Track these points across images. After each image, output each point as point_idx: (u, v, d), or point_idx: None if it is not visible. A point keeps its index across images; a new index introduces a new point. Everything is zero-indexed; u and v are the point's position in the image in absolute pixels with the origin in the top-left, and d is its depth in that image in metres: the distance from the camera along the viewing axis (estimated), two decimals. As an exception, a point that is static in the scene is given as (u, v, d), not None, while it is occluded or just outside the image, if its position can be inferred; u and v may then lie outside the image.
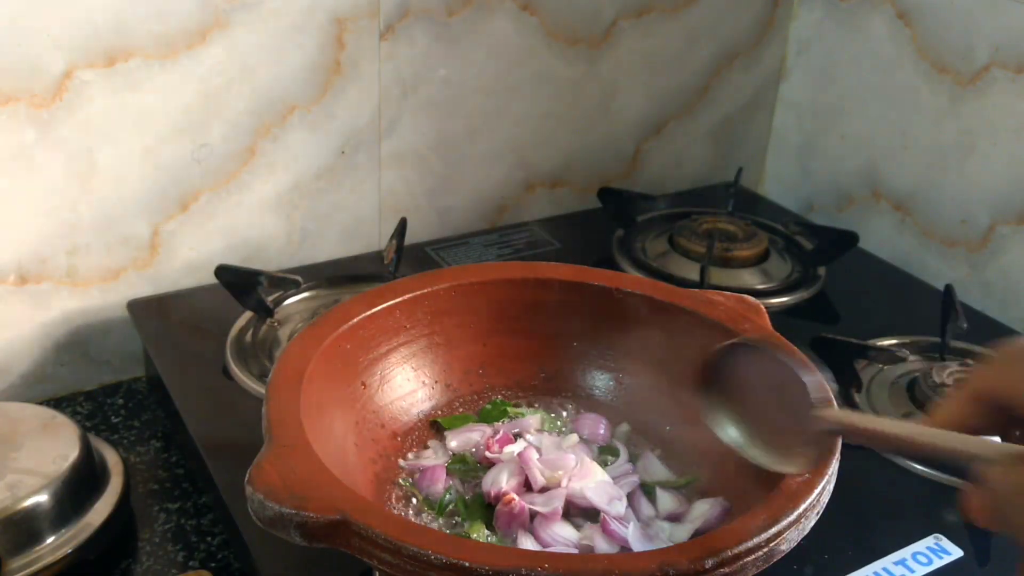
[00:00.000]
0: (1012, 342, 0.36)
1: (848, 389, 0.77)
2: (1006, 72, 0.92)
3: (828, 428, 0.42)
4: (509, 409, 0.65)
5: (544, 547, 0.53)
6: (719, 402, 0.49)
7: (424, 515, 0.58)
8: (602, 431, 0.64)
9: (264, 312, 0.81)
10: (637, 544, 0.53)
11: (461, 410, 0.65)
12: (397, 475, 0.60)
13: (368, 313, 0.61)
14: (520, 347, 0.67)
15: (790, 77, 1.16)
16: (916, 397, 0.75)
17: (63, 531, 0.62)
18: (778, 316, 0.76)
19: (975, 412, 0.36)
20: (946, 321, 0.83)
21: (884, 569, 0.60)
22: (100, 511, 0.64)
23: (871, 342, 0.81)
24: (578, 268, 0.67)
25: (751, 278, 0.94)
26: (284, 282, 0.83)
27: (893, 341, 0.83)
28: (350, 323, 0.60)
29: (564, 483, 0.56)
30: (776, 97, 1.18)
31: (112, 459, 0.69)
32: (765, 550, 0.45)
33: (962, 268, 0.99)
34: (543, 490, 0.57)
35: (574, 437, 0.63)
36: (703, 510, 0.56)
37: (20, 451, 0.63)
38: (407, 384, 0.64)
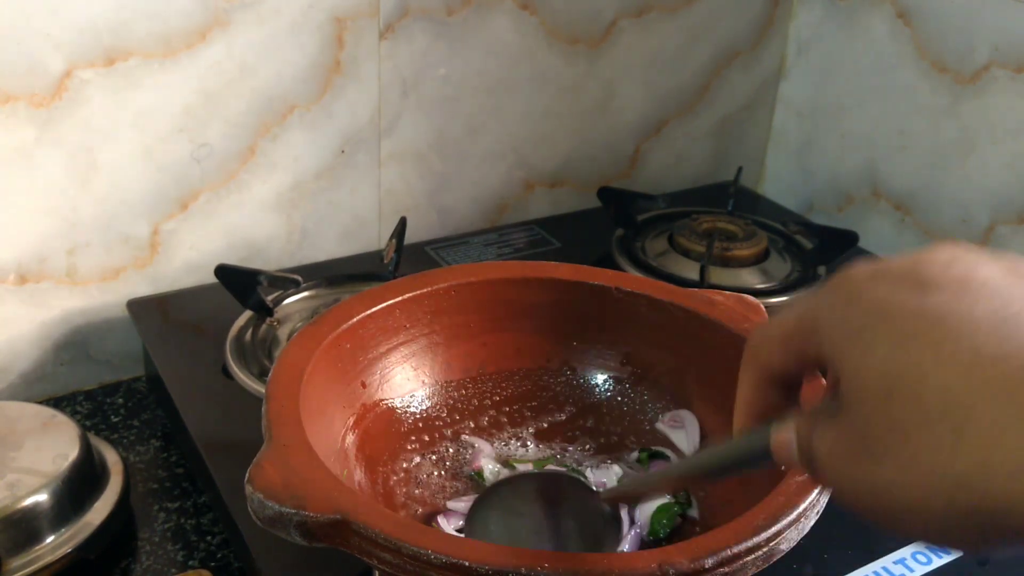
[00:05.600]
0: (762, 327, 0.37)
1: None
2: (1006, 71, 0.92)
3: (609, 507, 0.47)
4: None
5: None
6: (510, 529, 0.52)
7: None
8: None
9: (264, 312, 0.81)
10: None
11: (458, 411, 0.65)
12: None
13: (368, 312, 0.61)
14: (520, 346, 0.67)
15: (790, 77, 1.16)
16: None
17: (63, 530, 0.62)
18: (778, 316, 0.76)
19: (763, 400, 0.37)
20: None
21: (884, 568, 0.60)
22: (100, 510, 0.64)
23: (871, 342, 0.81)
24: (578, 268, 0.67)
25: (751, 277, 0.94)
26: (284, 281, 0.83)
27: (893, 341, 0.83)
28: (350, 322, 0.60)
29: None
30: (776, 97, 1.18)
31: (112, 458, 0.69)
32: (765, 550, 0.45)
33: (962, 268, 0.99)
34: None
35: None
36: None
37: (20, 450, 0.63)
38: (407, 383, 0.64)
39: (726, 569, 0.44)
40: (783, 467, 0.36)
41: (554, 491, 0.49)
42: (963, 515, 0.28)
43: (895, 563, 0.61)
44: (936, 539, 0.30)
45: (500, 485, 0.53)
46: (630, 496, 0.49)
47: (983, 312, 0.30)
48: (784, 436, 0.35)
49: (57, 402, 0.82)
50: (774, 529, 0.45)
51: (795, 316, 0.35)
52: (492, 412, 0.66)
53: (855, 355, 0.32)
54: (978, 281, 0.31)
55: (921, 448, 0.29)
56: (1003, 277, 0.31)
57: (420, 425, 0.64)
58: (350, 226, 0.95)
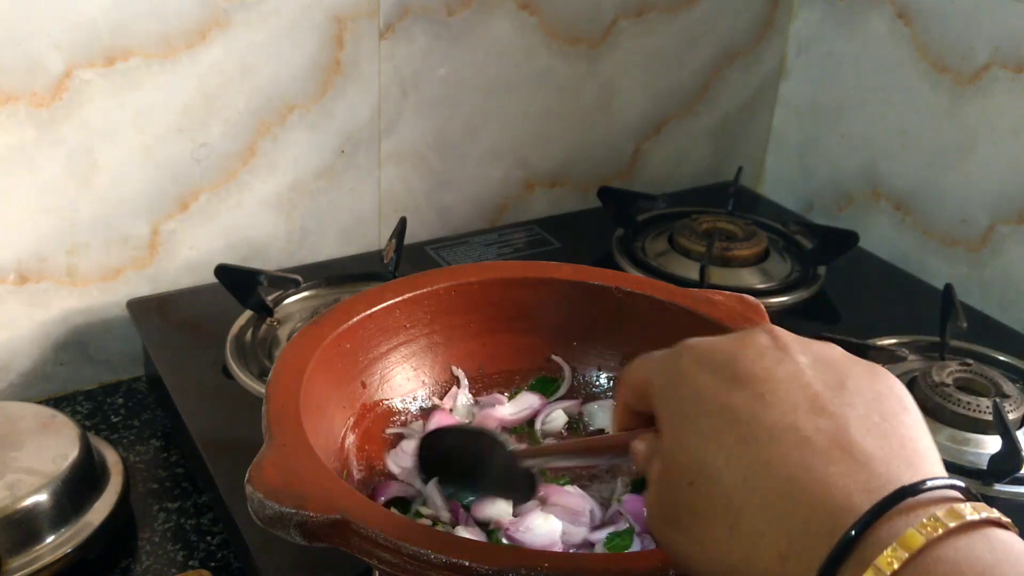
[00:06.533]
0: (630, 365, 0.42)
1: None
2: (1006, 72, 0.92)
3: (527, 462, 0.52)
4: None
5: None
6: (444, 476, 0.57)
7: None
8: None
9: (264, 311, 0.81)
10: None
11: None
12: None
13: (368, 312, 0.61)
14: (520, 346, 0.67)
15: (790, 77, 1.16)
16: (916, 396, 0.75)
17: (63, 530, 0.62)
18: (778, 315, 0.76)
19: (632, 418, 0.42)
20: (946, 320, 0.83)
21: (884, 568, 0.60)
22: (100, 510, 0.64)
23: (871, 341, 0.81)
24: (578, 267, 0.67)
25: (751, 277, 0.94)
26: (284, 281, 0.83)
27: (893, 340, 0.83)
28: (350, 322, 0.60)
29: None
30: (776, 97, 1.18)
31: (112, 458, 0.69)
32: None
33: (962, 267, 0.99)
34: None
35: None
36: None
37: (20, 450, 0.63)
38: (407, 383, 0.64)
39: (726, 569, 0.44)
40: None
41: (480, 444, 0.54)
42: None
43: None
44: None
45: (438, 433, 0.58)
46: (540, 455, 0.54)
47: (771, 419, 0.34)
48: (636, 447, 0.40)
49: (57, 402, 0.82)
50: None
51: (640, 375, 0.41)
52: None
53: (671, 438, 0.37)
54: (776, 380, 0.35)
55: (706, 535, 0.34)
56: (799, 376, 0.35)
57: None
58: (350, 226, 0.95)
